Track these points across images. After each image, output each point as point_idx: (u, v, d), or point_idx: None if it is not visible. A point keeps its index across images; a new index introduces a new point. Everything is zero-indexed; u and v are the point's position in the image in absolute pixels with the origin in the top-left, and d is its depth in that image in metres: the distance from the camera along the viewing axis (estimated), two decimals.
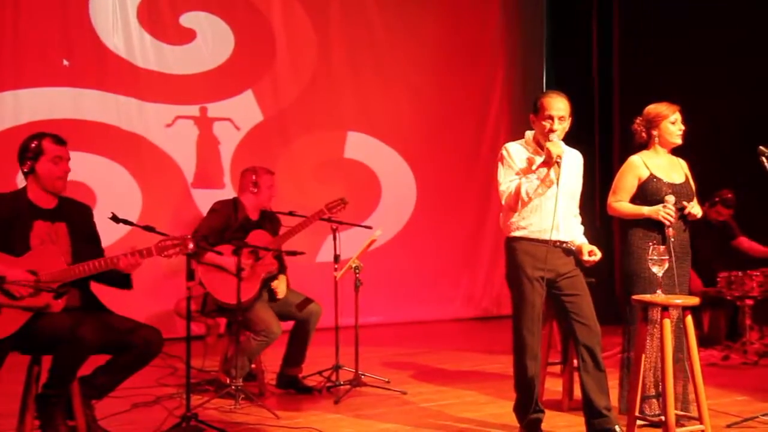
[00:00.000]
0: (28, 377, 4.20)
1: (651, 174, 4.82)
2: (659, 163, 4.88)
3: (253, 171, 5.89)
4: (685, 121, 4.91)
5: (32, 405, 4.17)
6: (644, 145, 4.94)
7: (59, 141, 4.37)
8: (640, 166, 4.86)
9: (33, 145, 4.31)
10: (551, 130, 4.36)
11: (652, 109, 4.91)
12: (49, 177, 4.30)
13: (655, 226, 4.75)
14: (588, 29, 9.53)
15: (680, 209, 4.78)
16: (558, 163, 4.31)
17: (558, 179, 4.35)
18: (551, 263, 4.40)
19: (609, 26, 9.34)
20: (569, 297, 4.45)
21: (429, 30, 9.53)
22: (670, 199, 4.72)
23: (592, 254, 4.45)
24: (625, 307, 4.88)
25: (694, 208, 4.82)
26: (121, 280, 4.37)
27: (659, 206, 4.72)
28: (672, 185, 4.82)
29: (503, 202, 4.43)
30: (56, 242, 4.27)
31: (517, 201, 4.37)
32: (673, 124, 4.86)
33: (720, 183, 7.44)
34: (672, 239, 4.62)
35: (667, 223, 4.68)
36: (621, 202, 4.89)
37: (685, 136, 4.92)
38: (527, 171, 4.41)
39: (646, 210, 4.77)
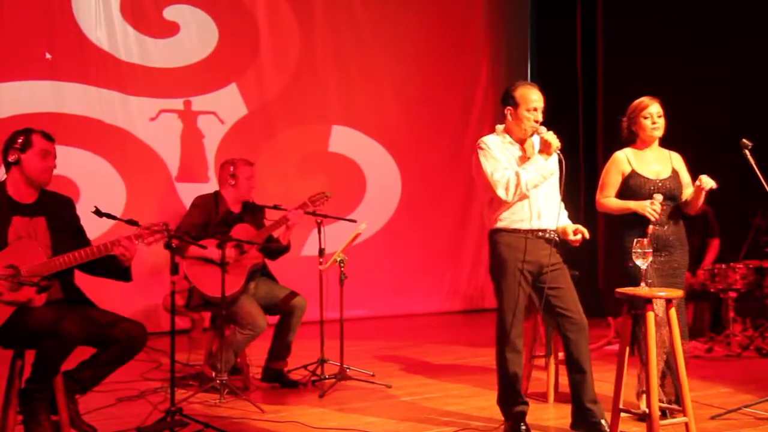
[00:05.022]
0: (11, 372, 4.17)
1: (632, 170, 4.83)
2: (644, 158, 4.88)
3: (231, 163, 5.84)
4: (667, 115, 4.91)
5: (15, 400, 4.14)
6: (631, 141, 4.96)
7: (48, 137, 4.36)
8: (623, 161, 4.87)
9: (21, 138, 4.29)
10: (537, 121, 4.42)
11: (632, 104, 4.93)
12: (35, 169, 4.28)
13: (642, 222, 4.74)
14: (572, 23, 9.53)
15: (673, 200, 4.77)
16: (558, 154, 4.36)
17: (562, 173, 4.40)
18: (534, 254, 4.41)
19: (593, 20, 9.34)
20: (553, 291, 4.44)
21: (413, 24, 9.52)
22: (658, 197, 4.70)
23: (577, 233, 4.44)
24: (609, 302, 4.89)
25: (704, 181, 4.69)
26: (120, 272, 4.35)
27: (646, 202, 4.70)
28: (654, 180, 4.81)
29: (499, 191, 4.34)
30: (34, 238, 4.23)
31: (516, 192, 4.34)
32: (645, 119, 4.84)
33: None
34: (650, 236, 4.53)
35: (653, 219, 4.66)
36: (608, 198, 4.88)
37: (668, 129, 4.92)
38: (523, 159, 4.41)
39: (632, 204, 4.75)
